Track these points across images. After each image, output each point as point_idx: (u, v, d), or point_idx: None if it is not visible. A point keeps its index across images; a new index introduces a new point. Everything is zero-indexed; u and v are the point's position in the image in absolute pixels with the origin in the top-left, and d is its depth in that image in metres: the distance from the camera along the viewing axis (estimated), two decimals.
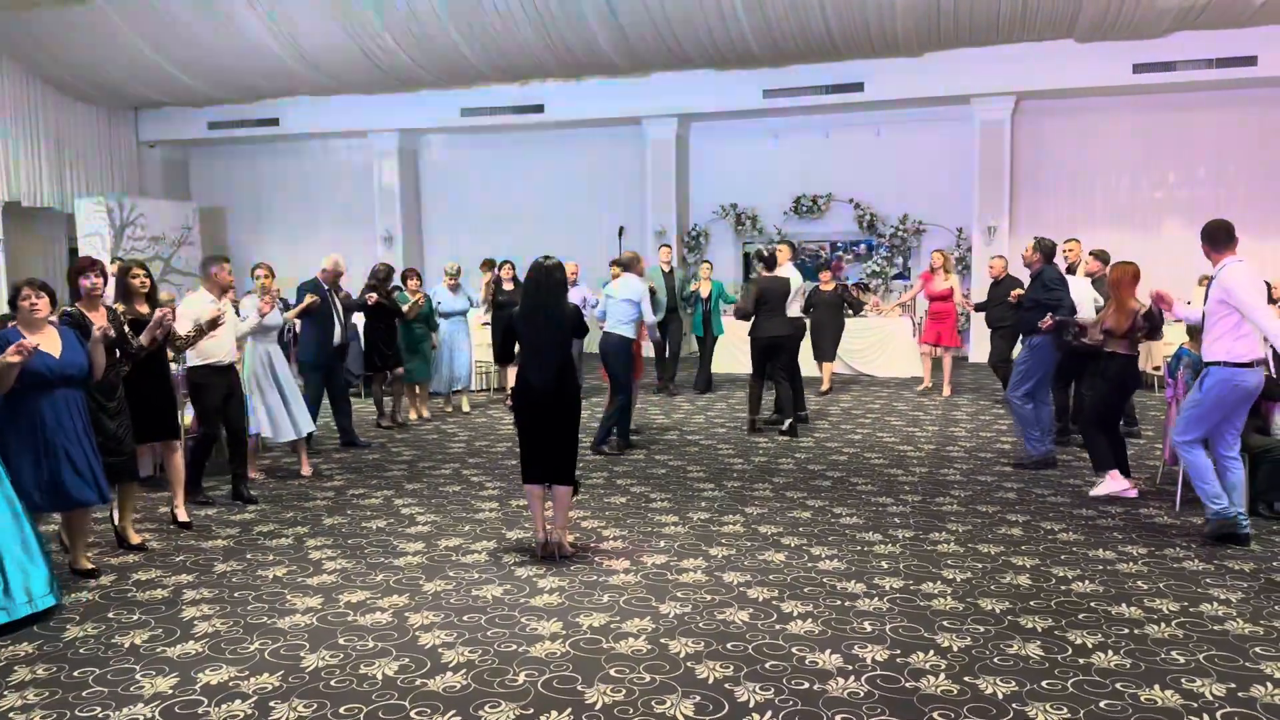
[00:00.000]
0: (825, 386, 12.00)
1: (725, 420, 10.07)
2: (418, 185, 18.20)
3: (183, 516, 6.33)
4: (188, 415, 7.24)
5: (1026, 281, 9.24)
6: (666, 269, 11.94)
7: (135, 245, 16.52)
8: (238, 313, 7.63)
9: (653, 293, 11.55)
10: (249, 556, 5.66)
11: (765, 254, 9.59)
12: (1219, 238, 5.66)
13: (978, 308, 11.21)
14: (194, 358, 6.64)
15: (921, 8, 12.68)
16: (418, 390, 10.33)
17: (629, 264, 8.83)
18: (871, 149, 15.48)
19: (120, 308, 5.91)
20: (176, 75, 15.94)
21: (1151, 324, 6.70)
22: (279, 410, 7.52)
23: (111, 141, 17.86)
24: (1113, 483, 6.77)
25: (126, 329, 5.77)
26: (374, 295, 9.40)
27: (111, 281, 6.23)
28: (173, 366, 6.77)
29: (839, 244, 15.79)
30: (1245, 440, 6.24)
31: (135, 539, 5.89)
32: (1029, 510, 6.45)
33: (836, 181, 15.60)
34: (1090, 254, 9.15)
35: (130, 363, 5.83)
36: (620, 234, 15.90)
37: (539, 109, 16.19)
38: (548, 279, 5.48)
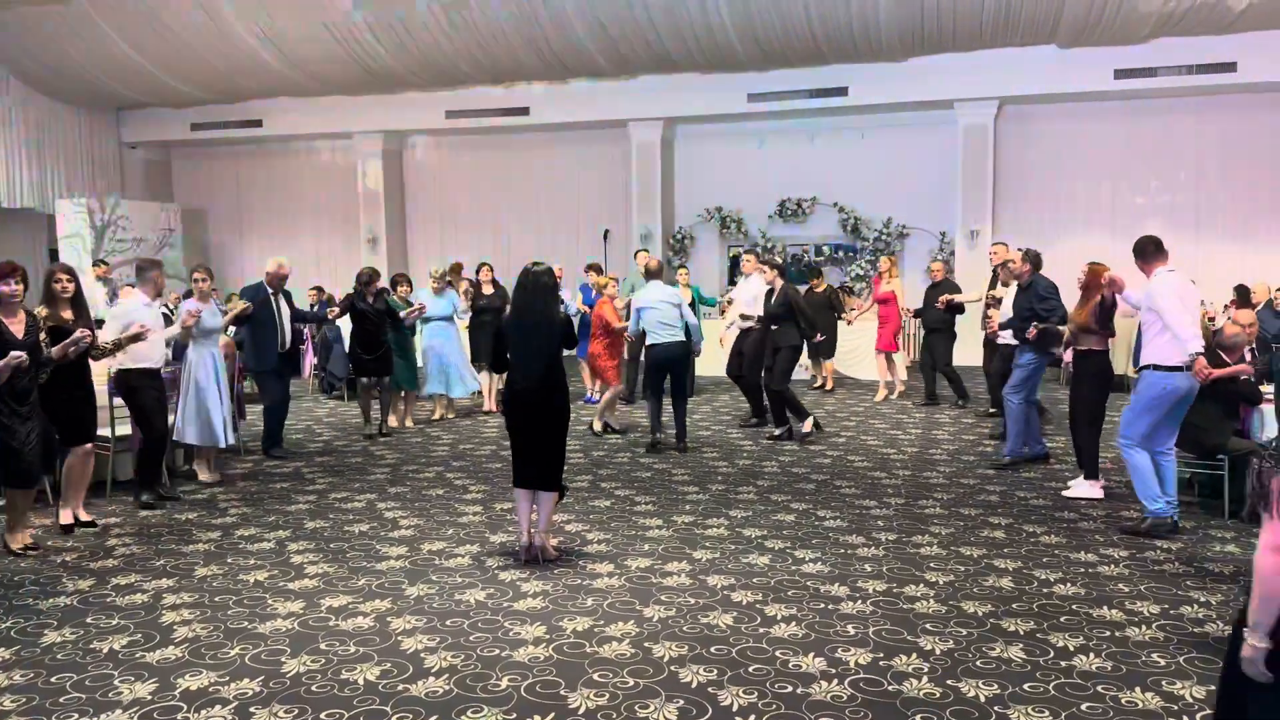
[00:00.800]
0: (829, 385, 12.41)
1: (710, 423, 10.07)
2: (402, 187, 18.15)
3: (84, 515, 6.29)
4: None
5: (967, 287, 9.52)
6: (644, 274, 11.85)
7: (116, 247, 16.42)
8: (171, 316, 7.57)
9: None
10: (230, 560, 5.62)
11: (779, 262, 9.59)
12: (1148, 251, 6.07)
13: (916, 314, 11.59)
14: (126, 360, 6.59)
15: (905, 13, 12.74)
16: (404, 398, 10.17)
17: (658, 271, 8.87)
18: (856, 153, 15.53)
19: (43, 312, 5.84)
20: (159, 76, 15.84)
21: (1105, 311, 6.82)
22: (209, 414, 7.38)
23: (93, 142, 17.74)
24: (1090, 489, 6.87)
25: (44, 335, 5.69)
26: (334, 310, 9.42)
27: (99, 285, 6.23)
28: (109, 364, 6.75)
29: (821, 248, 15.86)
30: (1224, 444, 6.30)
31: (17, 543, 5.73)
32: (1011, 513, 6.48)
33: (821, 185, 15.64)
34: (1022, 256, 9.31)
35: (47, 369, 5.76)
36: (606, 237, 15.91)
37: (524, 111, 16.18)
38: (535, 284, 5.51)
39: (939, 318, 10.70)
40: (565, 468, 7.86)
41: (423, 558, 5.62)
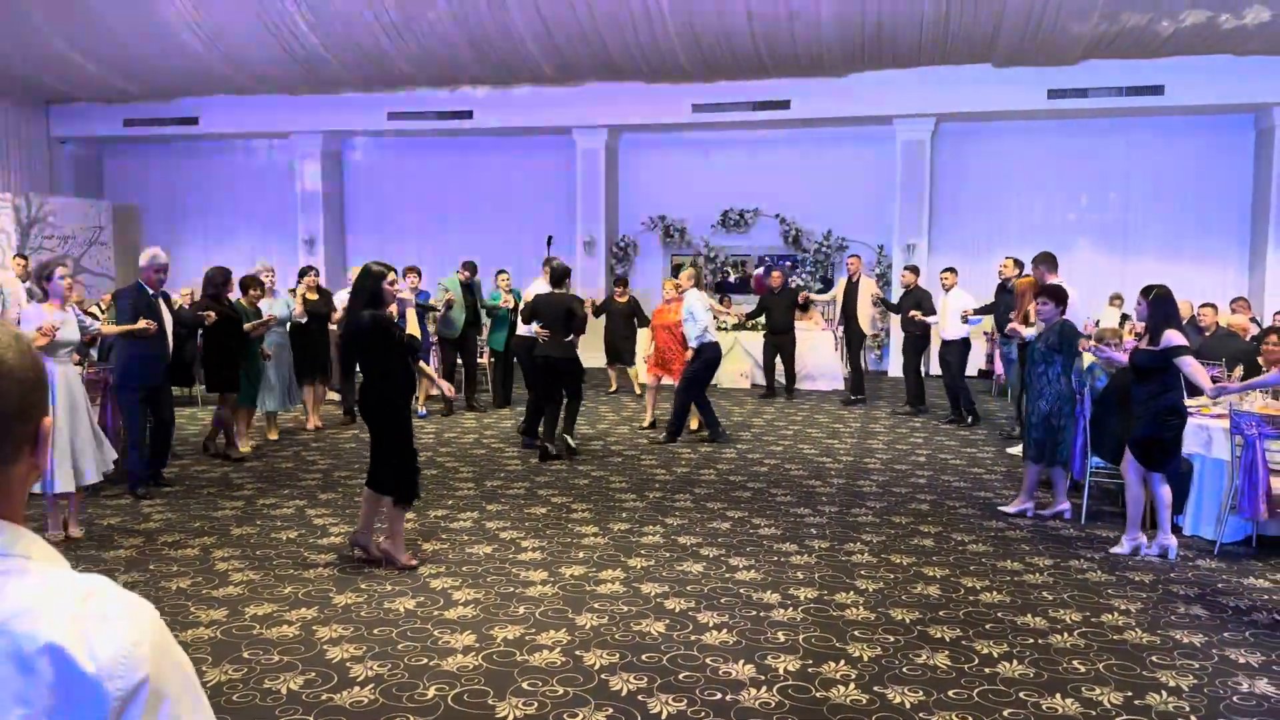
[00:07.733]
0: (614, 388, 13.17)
1: (650, 432, 10.06)
2: (342, 189, 17.89)
3: None
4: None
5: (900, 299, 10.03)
6: (465, 280, 11.12)
7: (44, 244, 15.94)
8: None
9: (449, 305, 10.89)
10: (152, 567, 5.47)
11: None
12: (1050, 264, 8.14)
13: (749, 317, 12.97)
14: None
15: (846, 29, 12.91)
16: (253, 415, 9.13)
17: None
18: (797, 165, 15.68)
19: None
20: (91, 70, 15.42)
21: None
22: (66, 452, 5.79)
23: (20, 136, 17.18)
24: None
25: None
26: (211, 314, 7.93)
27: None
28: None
29: (766, 258, 16.01)
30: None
31: None
32: (941, 522, 6.58)
33: (763, 196, 15.76)
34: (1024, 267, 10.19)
35: None
36: (549, 243, 15.82)
37: (468, 115, 16.05)
38: (353, 286, 5.59)
39: (786, 323, 12.03)
40: (502, 475, 7.83)
41: (352, 565, 5.53)
